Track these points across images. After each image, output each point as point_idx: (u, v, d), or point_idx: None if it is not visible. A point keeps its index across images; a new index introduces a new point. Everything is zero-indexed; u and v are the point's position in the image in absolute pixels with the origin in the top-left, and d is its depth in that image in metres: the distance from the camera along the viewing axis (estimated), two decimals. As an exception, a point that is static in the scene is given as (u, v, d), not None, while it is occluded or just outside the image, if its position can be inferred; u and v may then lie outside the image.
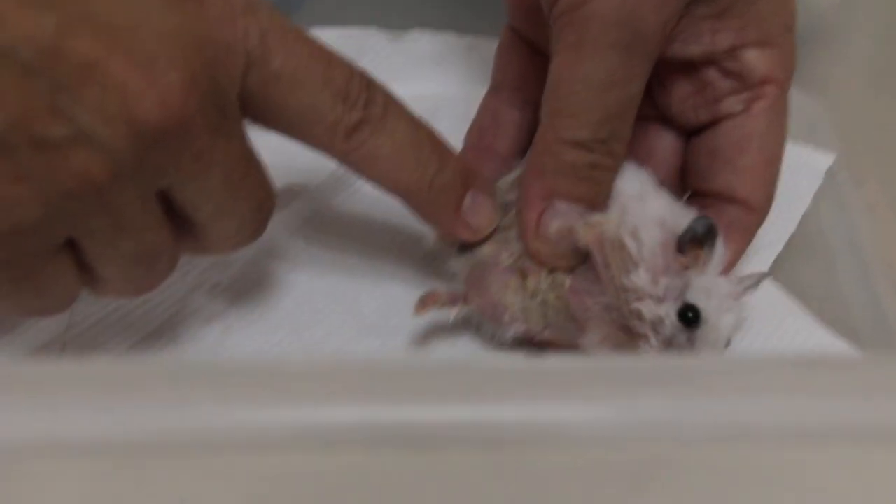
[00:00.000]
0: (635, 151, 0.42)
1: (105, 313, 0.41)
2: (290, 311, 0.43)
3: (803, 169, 0.48)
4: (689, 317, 0.36)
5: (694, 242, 0.37)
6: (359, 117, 0.36)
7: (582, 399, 0.24)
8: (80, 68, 0.29)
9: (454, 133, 0.48)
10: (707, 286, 0.37)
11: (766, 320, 0.43)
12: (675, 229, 0.37)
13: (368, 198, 0.46)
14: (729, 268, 0.40)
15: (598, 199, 0.38)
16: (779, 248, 0.46)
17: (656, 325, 0.37)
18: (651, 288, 0.37)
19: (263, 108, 0.35)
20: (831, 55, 0.55)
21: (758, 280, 0.39)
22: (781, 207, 0.47)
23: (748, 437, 0.24)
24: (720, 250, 0.37)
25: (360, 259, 0.45)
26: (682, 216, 0.38)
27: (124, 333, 0.41)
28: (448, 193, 0.38)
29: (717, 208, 0.40)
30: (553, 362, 0.26)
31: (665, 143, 0.43)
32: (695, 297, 0.37)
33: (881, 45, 0.54)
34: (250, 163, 0.35)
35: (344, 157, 0.36)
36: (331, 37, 0.52)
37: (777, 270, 0.46)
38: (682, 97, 0.41)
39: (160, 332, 0.41)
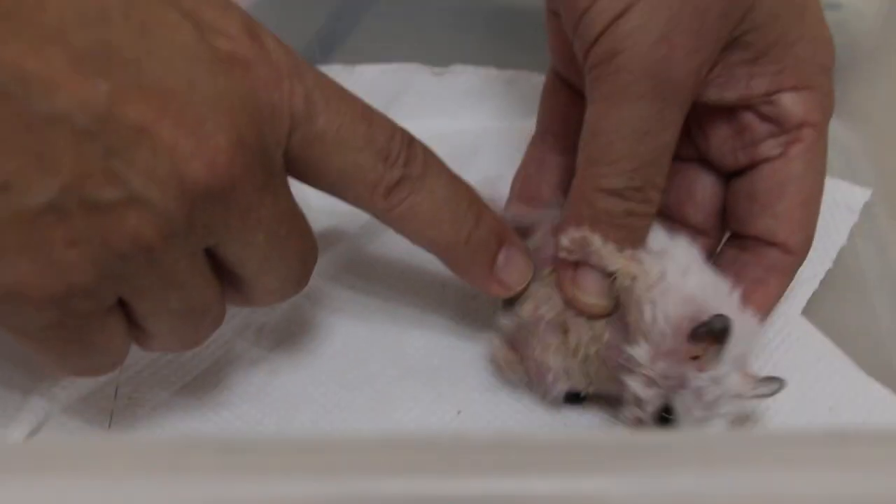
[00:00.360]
0: (676, 193, 0.43)
1: (157, 355, 0.42)
2: (333, 355, 0.44)
3: (840, 204, 0.49)
4: (663, 417, 0.38)
5: (708, 336, 0.37)
6: (399, 175, 0.36)
7: (612, 472, 0.25)
8: (132, 132, 0.30)
9: (495, 166, 0.49)
10: (701, 387, 0.37)
11: (800, 362, 0.43)
12: (699, 314, 0.37)
13: (407, 241, 0.47)
14: (767, 309, 0.41)
15: (633, 245, 0.39)
16: (815, 284, 0.47)
17: (637, 402, 0.38)
18: (646, 366, 0.37)
19: (306, 166, 0.36)
20: (869, 86, 0.55)
21: (775, 388, 0.39)
22: (817, 244, 0.47)
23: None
24: (733, 351, 0.37)
25: (400, 302, 0.46)
26: (714, 300, 0.38)
27: (174, 376, 0.42)
28: (482, 251, 0.39)
29: (757, 251, 0.41)
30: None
31: (705, 184, 0.43)
32: (681, 401, 0.37)
33: (920, 75, 0.54)
34: (294, 219, 0.36)
35: (383, 215, 0.37)
36: (374, 72, 0.53)
37: (813, 307, 0.47)
38: (720, 140, 0.42)
39: (207, 374, 0.43)
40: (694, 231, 0.42)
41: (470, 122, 0.53)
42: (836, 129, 0.55)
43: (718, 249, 0.43)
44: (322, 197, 0.48)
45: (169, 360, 0.43)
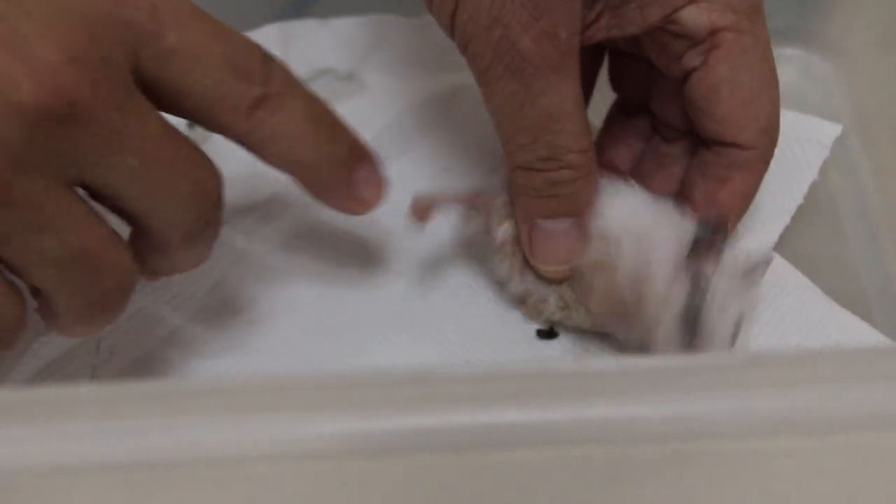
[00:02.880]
0: (648, 167, 0.44)
1: (135, 309, 0.44)
2: (310, 303, 0.45)
3: (811, 140, 0.49)
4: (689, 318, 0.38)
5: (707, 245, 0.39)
6: (259, 94, 0.35)
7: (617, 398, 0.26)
8: None
9: (472, 118, 0.49)
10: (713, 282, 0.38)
11: (771, 296, 0.44)
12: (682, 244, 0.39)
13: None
14: (737, 205, 0.42)
15: (575, 211, 0.40)
16: (787, 219, 0.47)
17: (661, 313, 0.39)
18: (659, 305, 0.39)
19: (164, 89, 0.34)
20: (845, 20, 0.56)
21: (764, 265, 0.40)
22: (788, 178, 0.48)
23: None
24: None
25: (357, 269, 0.46)
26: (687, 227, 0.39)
27: (153, 329, 0.44)
28: (342, 169, 0.38)
29: (717, 150, 0.42)
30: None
31: (674, 152, 0.45)
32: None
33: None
34: (176, 143, 0.34)
35: (246, 138, 0.36)
36: (349, 25, 0.53)
37: (786, 240, 0.47)
38: (657, 57, 0.42)
39: (186, 326, 0.44)
40: (680, 132, 0.44)
41: (448, 74, 0.53)
42: (814, 64, 0.56)
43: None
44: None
45: (149, 313, 0.44)
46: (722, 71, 0.40)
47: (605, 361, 0.35)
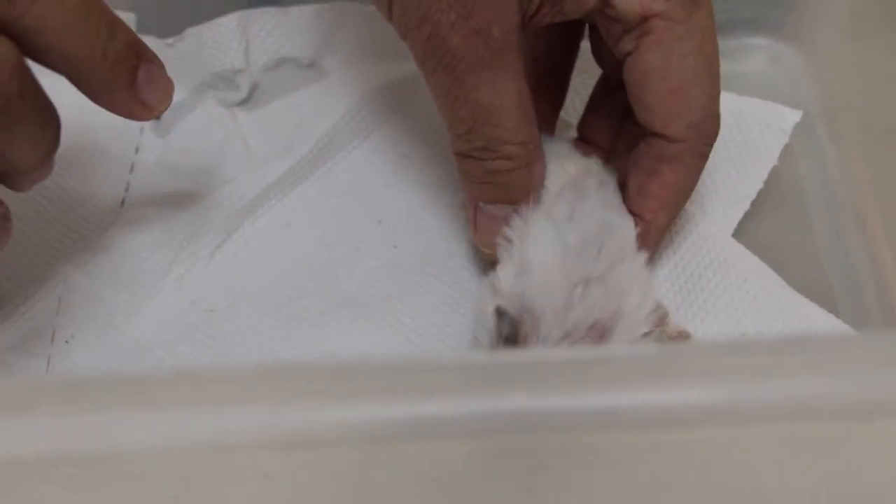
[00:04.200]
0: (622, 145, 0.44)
1: (92, 294, 0.43)
2: (269, 289, 0.44)
3: (771, 126, 0.49)
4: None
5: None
6: None
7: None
8: None
9: (432, 105, 0.49)
10: None
11: (728, 283, 0.43)
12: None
13: (342, 178, 0.48)
14: (668, 200, 0.42)
15: (513, 199, 0.40)
16: (746, 204, 0.47)
17: None
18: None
19: None
20: (814, 8, 0.55)
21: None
22: (748, 164, 0.48)
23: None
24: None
25: (335, 237, 0.46)
26: None
27: (109, 317, 0.43)
28: (121, 66, 0.36)
29: (648, 141, 0.41)
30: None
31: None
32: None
33: (864, -5, 0.54)
34: None
35: (10, 28, 0.33)
36: (309, 12, 0.53)
37: (750, 228, 0.47)
38: (597, 45, 0.43)
39: (142, 314, 0.44)
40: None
41: (409, 62, 0.53)
42: (783, 53, 0.56)
43: None
44: (256, 134, 0.49)
45: (104, 300, 0.43)
46: (652, 59, 0.40)
47: (525, 353, 0.34)
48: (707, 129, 0.41)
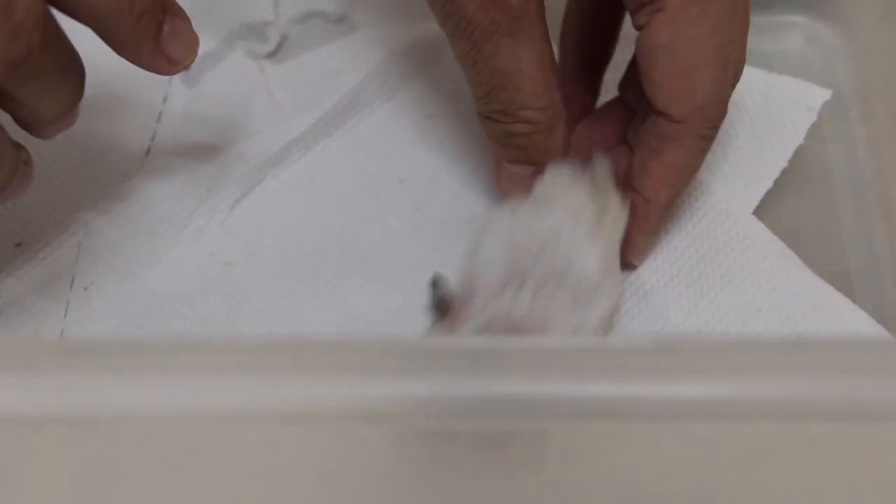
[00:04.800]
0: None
1: (114, 243, 0.44)
2: (287, 246, 0.45)
3: (798, 104, 0.48)
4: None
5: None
6: None
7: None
8: None
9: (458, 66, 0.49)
10: None
11: (745, 261, 0.43)
12: None
13: (365, 134, 0.48)
14: (668, 180, 0.41)
15: (533, 161, 0.41)
16: (769, 183, 0.46)
17: None
18: None
19: None
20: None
21: None
22: (774, 142, 0.47)
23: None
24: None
25: (356, 195, 0.46)
26: None
27: (130, 266, 0.44)
28: (147, 20, 0.36)
29: (653, 119, 0.41)
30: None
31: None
32: None
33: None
34: None
35: None
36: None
37: (774, 208, 0.47)
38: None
39: (163, 264, 0.44)
40: None
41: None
42: (820, 30, 0.55)
43: None
44: (282, 87, 0.49)
45: (124, 249, 0.44)
46: (662, 37, 0.39)
47: (525, 340, 0.34)
48: (711, 113, 0.40)
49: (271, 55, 0.51)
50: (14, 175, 0.36)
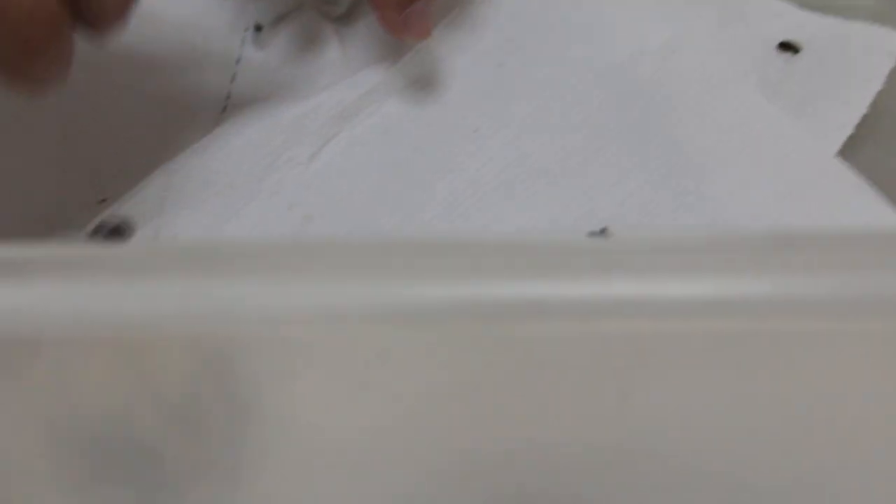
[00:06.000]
0: None
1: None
2: (369, 196, 0.45)
3: (874, 49, 0.48)
4: None
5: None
6: None
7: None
8: None
9: (525, 13, 0.49)
10: None
11: (831, 202, 0.43)
12: None
13: (443, 82, 0.48)
14: None
15: None
16: (849, 129, 0.46)
17: None
18: None
19: None
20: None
21: None
22: (852, 88, 0.47)
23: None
24: None
25: (436, 145, 0.47)
26: None
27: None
28: None
29: None
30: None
31: None
32: None
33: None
34: None
35: None
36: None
37: (853, 156, 0.46)
38: None
39: (244, 217, 0.44)
40: None
41: None
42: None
43: None
44: (355, 45, 0.49)
45: (203, 203, 0.44)
46: None
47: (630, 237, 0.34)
48: None
49: (342, 17, 0.51)
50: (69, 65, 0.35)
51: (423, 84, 0.48)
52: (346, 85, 0.48)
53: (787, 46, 0.49)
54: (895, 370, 0.26)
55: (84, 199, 0.44)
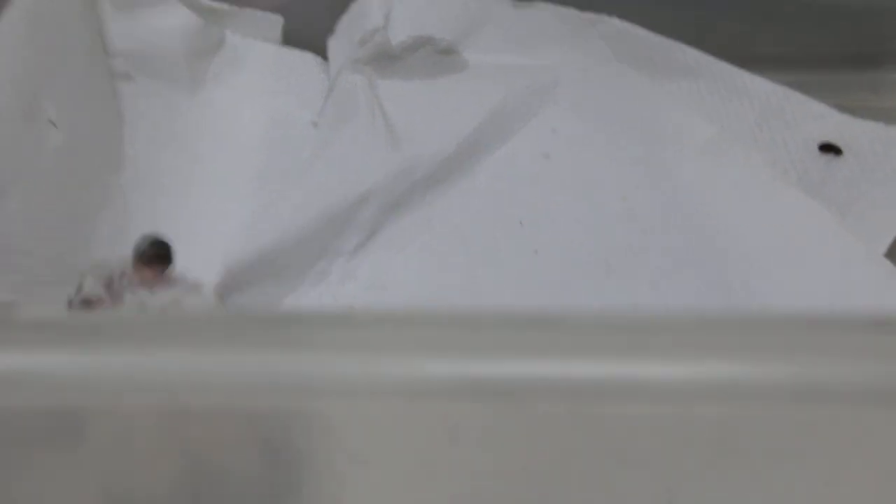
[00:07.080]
0: None
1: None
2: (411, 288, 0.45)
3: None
4: None
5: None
6: None
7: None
8: None
9: (573, 105, 0.49)
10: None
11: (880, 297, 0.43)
12: None
13: (487, 174, 0.48)
14: None
15: None
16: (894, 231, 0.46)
17: None
18: None
19: None
20: None
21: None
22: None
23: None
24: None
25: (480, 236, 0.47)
26: None
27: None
28: None
29: None
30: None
31: None
32: None
33: None
34: None
35: None
36: (455, 3, 0.52)
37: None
38: None
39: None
40: None
41: (549, 58, 0.52)
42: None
43: None
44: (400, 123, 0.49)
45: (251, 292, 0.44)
46: None
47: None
48: None
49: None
50: None
51: (468, 175, 0.48)
52: (394, 175, 0.47)
53: (828, 148, 0.49)
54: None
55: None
